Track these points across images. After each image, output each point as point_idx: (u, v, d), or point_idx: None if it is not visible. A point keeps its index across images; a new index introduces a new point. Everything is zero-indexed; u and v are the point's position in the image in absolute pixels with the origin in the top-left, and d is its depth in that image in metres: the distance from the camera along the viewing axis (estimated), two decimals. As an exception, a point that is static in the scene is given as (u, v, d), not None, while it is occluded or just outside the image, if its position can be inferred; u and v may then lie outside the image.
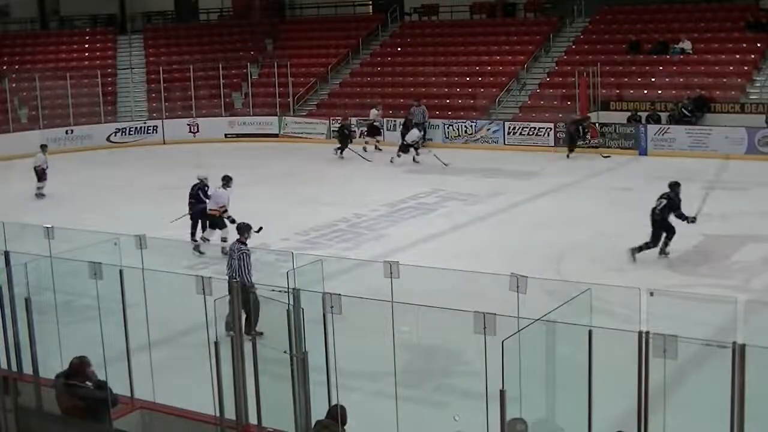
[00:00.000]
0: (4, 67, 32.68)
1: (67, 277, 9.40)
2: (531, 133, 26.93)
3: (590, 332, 6.34)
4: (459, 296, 9.31)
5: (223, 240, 15.28)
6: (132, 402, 8.54)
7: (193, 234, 16.38)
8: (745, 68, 27.04)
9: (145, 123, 31.09)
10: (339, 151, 26.02)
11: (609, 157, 24.99)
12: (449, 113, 29.05)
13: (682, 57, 28.02)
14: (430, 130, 27.58)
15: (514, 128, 27.21)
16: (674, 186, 14.78)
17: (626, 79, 27.88)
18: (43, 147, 22.37)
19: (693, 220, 14.54)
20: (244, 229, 12.10)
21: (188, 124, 31.17)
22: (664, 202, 14.61)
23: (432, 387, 10.30)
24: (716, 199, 15.65)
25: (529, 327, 6.31)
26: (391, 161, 24.83)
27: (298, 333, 7.21)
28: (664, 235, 14.64)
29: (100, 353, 8.31)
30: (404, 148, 24.93)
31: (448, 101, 30.08)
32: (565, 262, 14.76)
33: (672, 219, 14.65)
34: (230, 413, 7.59)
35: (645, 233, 15.51)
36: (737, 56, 27.64)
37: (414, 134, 24.94)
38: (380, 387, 9.55)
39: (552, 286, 10.89)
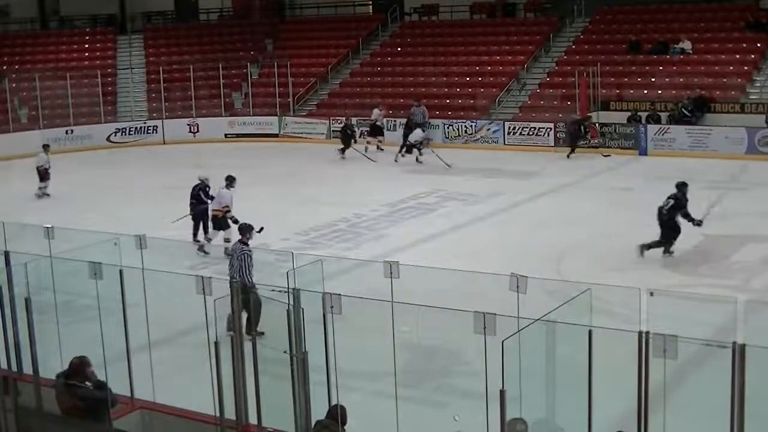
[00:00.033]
0: (4, 67, 32.68)
1: (67, 277, 9.40)
2: (531, 133, 26.93)
3: (590, 332, 6.34)
4: (459, 296, 9.31)
5: (226, 241, 15.24)
6: (132, 402, 8.54)
7: (195, 235, 16.37)
8: (745, 68, 27.04)
9: (145, 123, 31.09)
10: (339, 151, 25.99)
11: (609, 156, 25.01)
12: (449, 113, 29.05)
13: (682, 57, 28.02)
14: (429, 131, 27.52)
15: (514, 128, 27.21)
16: (681, 186, 14.80)
17: (626, 79, 27.88)
18: (46, 147, 22.36)
19: (699, 222, 14.55)
20: (246, 230, 12.10)
21: (188, 124, 31.17)
22: (672, 202, 14.63)
23: (432, 387, 10.30)
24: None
25: (529, 327, 6.31)
26: (396, 161, 24.84)
27: (298, 333, 7.21)
28: (659, 235, 14.64)
29: (100, 353, 8.32)
30: (409, 148, 24.91)
31: (448, 101, 30.09)
32: (565, 262, 14.76)
33: (678, 219, 14.66)
34: (230, 413, 7.59)
35: (645, 233, 15.51)
36: (737, 56, 27.64)
37: (417, 134, 24.90)
38: (380, 387, 9.55)
39: (552, 286, 10.89)
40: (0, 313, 9.09)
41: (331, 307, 7.17)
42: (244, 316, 10.58)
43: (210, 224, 16.06)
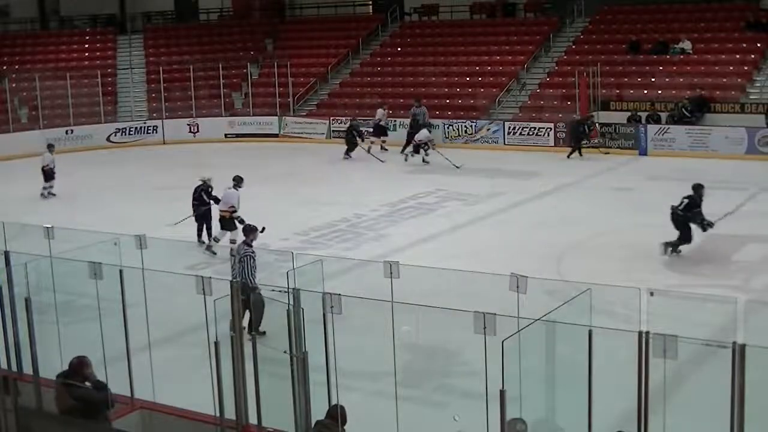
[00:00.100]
0: (4, 67, 32.68)
1: (67, 277, 9.40)
2: (531, 133, 26.93)
3: (590, 332, 6.34)
4: (459, 296, 9.30)
5: (232, 242, 15.16)
6: (132, 402, 8.54)
7: (199, 236, 16.36)
8: (745, 68, 27.04)
9: (145, 123, 31.09)
10: (346, 154, 25.88)
11: (608, 153, 25.04)
12: (449, 113, 29.05)
13: (682, 57, 28.03)
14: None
15: (514, 128, 27.21)
16: (698, 188, 14.86)
17: (626, 79, 27.88)
18: (50, 146, 22.36)
19: (710, 224, 14.57)
20: (250, 231, 12.10)
21: (188, 124, 31.17)
22: (686, 201, 14.68)
23: (432, 387, 10.30)
24: (716, 199, 15.66)
25: (529, 327, 6.31)
26: (405, 160, 24.77)
27: (298, 333, 7.21)
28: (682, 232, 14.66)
29: (100, 353, 8.31)
30: (416, 148, 24.86)
31: (448, 101, 30.08)
32: (565, 262, 14.76)
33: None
34: (230, 413, 7.59)
35: (645, 233, 15.55)
36: (737, 56, 27.65)
37: (423, 134, 24.81)
38: (380, 387, 9.55)
39: (552, 286, 10.90)
40: (0, 313, 9.09)
41: (331, 307, 7.17)
42: (246, 316, 10.66)
43: (217, 225, 16.04)
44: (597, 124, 25.73)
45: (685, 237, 14.64)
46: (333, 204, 19.79)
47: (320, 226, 17.76)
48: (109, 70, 33.47)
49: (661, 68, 27.82)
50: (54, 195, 21.58)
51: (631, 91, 27.48)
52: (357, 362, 9.26)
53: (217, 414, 7.57)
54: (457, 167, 23.46)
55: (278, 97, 31.45)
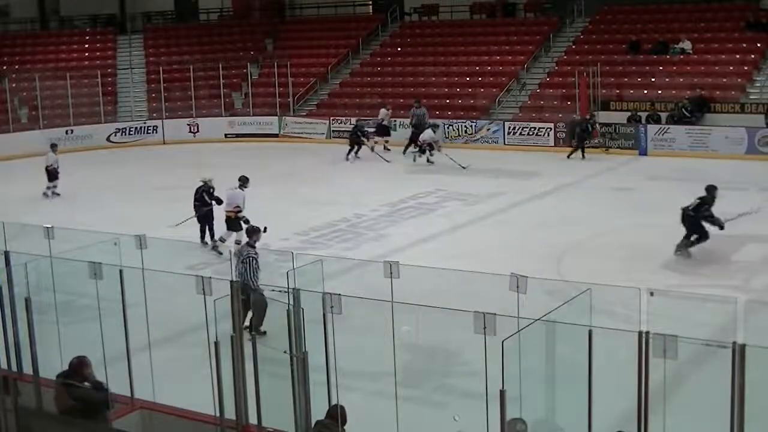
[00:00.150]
0: (4, 67, 32.68)
1: (67, 277, 9.40)
2: (531, 133, 26.93)
3: (590, 332, 6.34)
4: (459, 296, 9.30)
5: (237, 243, 15.10)
6: (132, 402, 8.54)
7: (202, 237, 16.33)
8: (745, 68, 27.04)
9: (145, 123, 31.09)
10: (354, 154, 25.81)
11: (608, 150, 25.05)
12: (449, 113, 29.05)
13: (682, 57, 28.03)
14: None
15: (514, 128, 27.21)
16: (711, 189, 14.85)
17: (626, 79, 27.88)
18: (54, 146, 22.35)
19: (722, 225, 14.57)
20: (252, 233, 12.09)
21: (188, 124, 31.17)
22: (698, 202, 14.69)
23: (432, 387, 10.29)
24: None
25: (529, 327, 6.32)
26: (414, 161, 24.67)
27: (298, 333, 7.21)
28: (694, 234, 14.66)
29: (100, 353, 8.32)
30: (421, 148, 24.79)
31: (448, 101, 30.09)
32: (565, 262, 14.76)
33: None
34: (230, 413, 7.59)
35: (645, 233, 15.56)
36: (737, 56, 27.65)
37: (428, 134, 24.72)
38: (380, 387, 9.55)
39: (552, 286, 10.89)
40: (0, 313, 9.09)
41: (331, 307, 7.17)
42: (248, 316, 10.66)
43: (219, 225, 16.02)
44: (597, 124, 25.73)
45: (703, 234, 14.61)
46: (333, 204, 19.79)
47: (320, 226, 17.75)
48: (109, 70, 33.47)
49: (661, 68, 27.82)
50: (58, 195, 21.59)
51: (631, 91, 27.48)
52: (357, 362, 9.26)
53: (217, 414, 7.57)
54: (463, 168, 23.39)
55: (278, 97, 31.45)
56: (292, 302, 7.19)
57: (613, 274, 13.06)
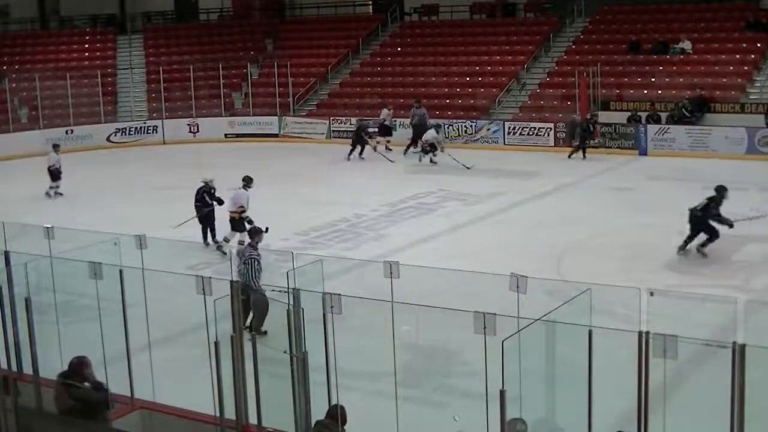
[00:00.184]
0: (4, 67, 32.69)
1: (67, 277, 9.40)
2: (531, 133, 26.93)
3: (590, 332, 6.34)
4: (459, 296, 9.31)
5: (240, 243, 15.08)
6: (132, 402, 8.54)
7: (204, 238, 16.31)
8: (745, 68, 27.04)
9: (145, 123, 31.09)
10: (358, 154, 25.78)
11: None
12: (449, 113, 29.04)
13: (682, 57, 28.03)
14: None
15: (514, 128, 27.21)
16: (721, 190, 14.81)
17: (626, 79, 27.88)
18: (56, 146, 22.35)
19: (731, 224, 14.56)
20: (255, 234, 12.08)
21: (188, 124, 31.17)
22: (706, 202, 14.67)
23: (432, 387, 10.29)
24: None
25: (529, 327, 6.32)
26: (419, 161, 24.59)
27: (298, 333, 7.21)
28: (707, 235, 14.65)
29: (100, 353, 8.32)
30: (424, 148, 24.71)
31: (448, 101, 30.09)
32: (565, 262, 14.76)
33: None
34: (230, 413, 7.59)
35: (645, 233, 15.55)
36: (737, 56, 27.65)
37: (431, 134, 24.63)
38: (380, 387, 9.55)
39: (552, 286, 10.89)
40: (0, 313, 9.09)
41: (331, 307, 7.17)
42: (250, 316, 10.66)
43: (220, 225, 16.00)
44: (598, 124, 25.72)
45: (713, 233, 14.59)
46: (333, 204, 19.79)
47: (320, 226, 17.75)
48: (109, 70, 33.47)
49: (661, 68, 27.82)
50: (61, 194, 21.60)
51: (631, 91, 27.48)
52: (357, 362, 9.26)
53: (217, 414, 7.57)
54: (467, 168, 23.35)
55: (278, 97, 31.45)
56: (292, 302, 7.19)
57: (613, 274, 13.06)
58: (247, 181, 15.92)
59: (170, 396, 8.68)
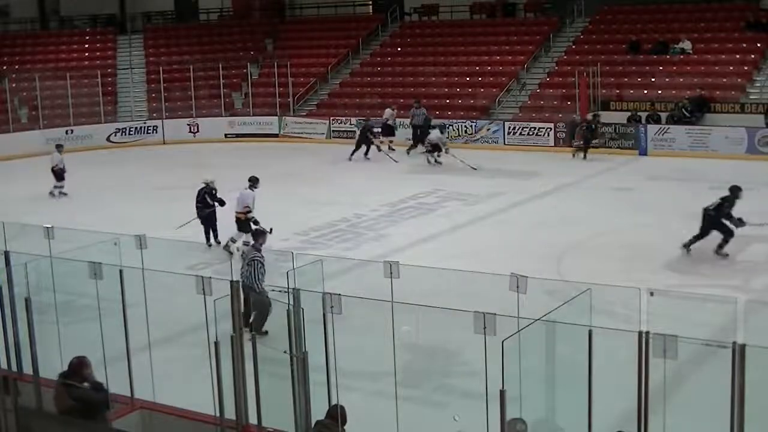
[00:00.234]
0: (4, 67, 32.69)
1: (67, 277, 9.40)
2: (531, 133, 26.93)
3: (590, 332, 6.34)
4: (459, 296, 9.31)
5: (245, 244, 15.04)
6: (132, 402, 8.54)
7: (207, 239, 16.29)
8: (745, 68, 27.04)
9: (145, 123, 31.09)
10: (364, 155, 25.73)
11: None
12: (449, 113, 29.04)
13: (682, 57, 28.03)
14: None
15: (514, 128, 27.21)
16: (735, 190, 14.78)
17: (626, 79, 27.89)
18: (59, 146, 22.37)
19: (741, 223, 14.53)
20: (258, 235, 12.07)
21: (188, 124, 31.17)
22: (719, 201, 14.65)
23: (432, 387, 10.29)
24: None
25: (529, 327, 6.31)
26: (428, 162, 24.51)
27: (298, 333, 7.21)
28: (721, 234, 14.60)
29: (100, 353, 8.31)
30: (427, 149, 24.65)
31: (448, 101, 30.09)
32: (565, 262, 14.76)
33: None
34: (230, 413, 7.59)
35: (645, 233, 15.53)
36: (737, 56, 27.65)
37: (435, 135, 24.50)
38: (380, 387, 9.55)
39: (552, 286, 10.90)
40: (0, 313, 9.09)
41: (331, 307, 7.17)
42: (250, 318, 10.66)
43: (221, 226, 15.98)
44: (600, 124, 25.69)
45: (727, 232, 14.57)
46: (333, 204, 19.79)
47: (320, 226, 17.76)
48: (109, 70, 33.47)
49: (661, 68, 27.83)
50: (65, 194, 21.61)
51: (631, 91, 27.49)
52: (357, 362, 9.26)
53: (217, 414, 7.57)
54: (474, 169, 23.29)
55: (278, 97, 31.45)
56: (292, 302, 7.19)
57: (613, 274, 13.07)
58: (254, 182, 15.89)
59: (170, 396, 8.68)
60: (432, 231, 17.37)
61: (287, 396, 7.32)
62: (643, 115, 26.19)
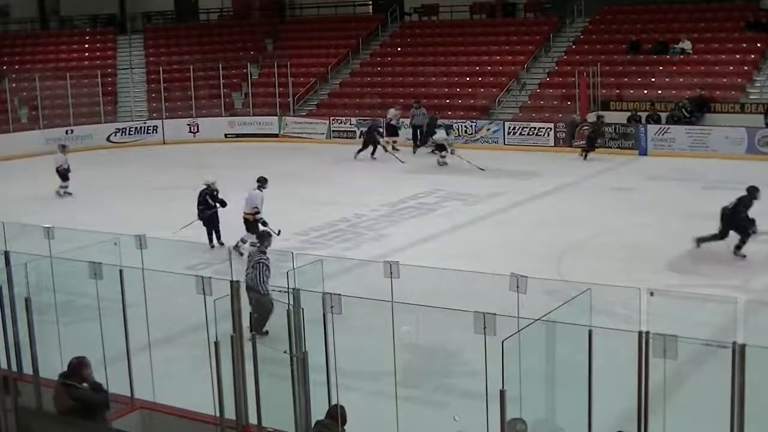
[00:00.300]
0: (4, 67, 32.69)
1: (67, 277, 9.40)
2: (531, 133, 26.93)
3: (590, 332, 6.34)
4: (459, 296, 9.31)
5: (252, 245, 14.98)
6: (132, 402, 8.54)
7: (210, 240, 16.26)
8: (745, 68, 27.05)
9: (145, 123, 31.09)
10: (371, 154, 25.62)
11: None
12: (449, 113, 29.03)
13: (682, 57, 28.03)
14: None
15: (514, 128, 27.21)
16: (752, 191, 14.70)
17: (626, 79, 27.89)
18: (63, 147, 22.39)
19: (755, 230, 14.51)
20: (263, 238, 12.04)
21: (188, 124, 31.17)
22: (736, 201, 14.62)
23: (432, 387, 10.30)
24: (716, 199, 15.64)
25: (529, 327, 6.31)
26: (438, 163, 24.37)
27: (298, 333, 7.21)
28: (738, 235, 14.55)
29: (100, 353, 8.31)
30: (438, 147, 24.59)
31: (448, 101, 30.08)
32: (565, 262, 14.76)
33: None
34: (230, 413, 7.59)
35: (645, 233, 15.51)
36: (737, 56, 27.65)
37: (441, 136, 24.42)
38: (380, 387, 9.56)
39: (552, 286, 10.90)
40: (0, 313, 9.09)
41: (331, 307, 7.17)
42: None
43: (225, 226, 15.99)
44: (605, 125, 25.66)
45: (743, 233, 14.51)
46: (333, 204, 19.79)
47: (320, 226, 17.75)
48: (109, 70, 33.47)
49: (661, 68, 27.83)
50: (70, 194, 21.63)
51: (631, 91, 27.49)
52: (357, 362, 9.26)
53: (217, 414, 7.58)
54: (482, 170, 23.18)
55: (278, 97, 31.45)
56: (292, 302, 7.19)
57: (613, 274, 13.07)
58: (262, 182, 15.86)
59: (170, 396, 8.68)
60: (432, 231, 17.37)
61: (287, 396, 7.32)
62: (643, 115, 26.19)
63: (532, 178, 22.42)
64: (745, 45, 27.97)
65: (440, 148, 24.27)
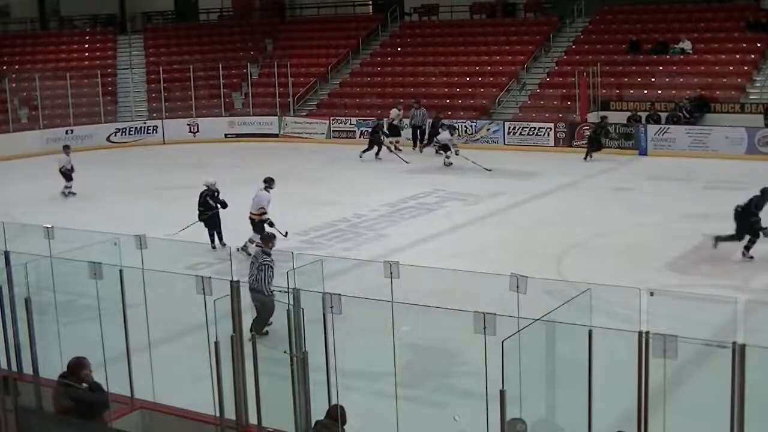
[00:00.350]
0: (4, 67, 32.69)
1: (67, 277, 9.40)
2: (531, 133, 26.93)
3: (590, 332, 6.34)
4: (459, 296, 9.30)
5: (258, 246, 14.95)
6: (132, 402, 8.54)
7: (212, 240, 16.24)
8: (745, 68, 27.04)
9: (145, 123, 31.09)
10: (376, 154, 25.61)
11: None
12: (449, 113, 29.02)
13: (682, 57, 28.03)
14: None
15: (514, 128, 27.20)
16: (765, 192, 14.63)
17: (626, 79, 27.88)
18: (66, 147, 22.40)
19: (765, 231, 14.49)
20: (268, 239, 12.02)
21: (188, 124, 31.17)
22: (747, 201, 14.58)
23: (432, 387, 10.30)
24: (716, 199, 15.66)
25: (529, 327, 6.31)
26: (445, 164, 24.29)
27: (298, 333, 7.21)
28: (747, 236, 14.53)
29: (100, 353, 8.31)
30: (443, 147, 24.58)
31: (448, 101, 30.08)
32: (565, 262, 14.76)
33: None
34: (230, 413, 7.59)
35: (645, 233, 15.50)
36: (737, 56, 27.66)
37: (445, 136, 24.35)
38: (380, 387, 9.56)
39: (552, 286, 10.90)
40: (0, 313, 9.09)
41: (331, 307, 7.16)
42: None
43: (223, 227, 15.98)
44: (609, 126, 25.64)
45: (753, 234, 14.46)
46: (333, 204, 19.78)
47: (320, 226, 17.75)
48: (109, 70, 33.47)
49: (661, 68, 27.83)
50: (74, 194, 21.64)
51: (631, 91, 27.49)
52: (357, 362, 9.26)
53: (217, 414, 7.58)
54: (488, 170, 23.11)
55: (278, 97, 31.45)
56: (292, 302, 7.19)
57: (613, 274, 13.06)
58: (269, 182, 15.82)
59: (170, 396, 8.68)
60: (432, 231, 17.37)
61: (287, 396, 7.32)
62: (643, 115, 26.19)
63: (532, 178, 22.42)
64: (745, 45, 27.97)
65: (444, 148, 24.26)
